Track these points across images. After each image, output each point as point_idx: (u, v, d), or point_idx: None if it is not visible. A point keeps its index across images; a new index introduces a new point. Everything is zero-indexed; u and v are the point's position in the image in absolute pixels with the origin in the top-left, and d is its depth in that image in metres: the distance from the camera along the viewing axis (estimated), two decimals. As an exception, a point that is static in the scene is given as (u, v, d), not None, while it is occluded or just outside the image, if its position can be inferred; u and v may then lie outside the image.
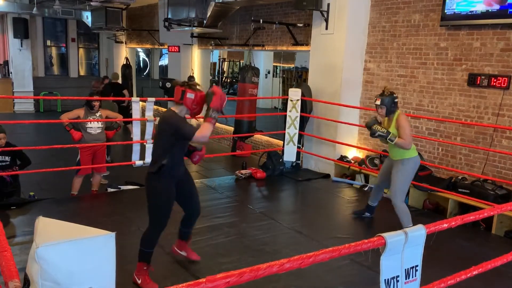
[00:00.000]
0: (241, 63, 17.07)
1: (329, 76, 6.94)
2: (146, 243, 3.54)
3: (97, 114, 5.87)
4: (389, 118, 4.61)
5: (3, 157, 5.37)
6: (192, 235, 3.98)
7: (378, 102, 4.54)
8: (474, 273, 2.40)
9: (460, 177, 5.60)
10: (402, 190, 4.60)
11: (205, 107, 3.51)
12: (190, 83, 3.52)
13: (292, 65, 13.42)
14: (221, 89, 3.49)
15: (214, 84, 8.30)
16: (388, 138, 4.49)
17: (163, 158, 3.42)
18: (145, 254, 3.53)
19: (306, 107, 7.07)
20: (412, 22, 6.22)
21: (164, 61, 15.57)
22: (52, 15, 13.52)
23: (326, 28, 6.83)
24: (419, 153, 4.76)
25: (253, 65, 8.26)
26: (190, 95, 3.39)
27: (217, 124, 10.56)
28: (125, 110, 8.83)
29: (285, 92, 10.02)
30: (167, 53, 12.52)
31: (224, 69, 17.72)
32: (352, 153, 7.08)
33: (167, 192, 3.52)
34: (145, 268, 3.53)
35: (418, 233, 2.03)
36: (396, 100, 4.54)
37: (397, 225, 4.43)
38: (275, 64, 14.82)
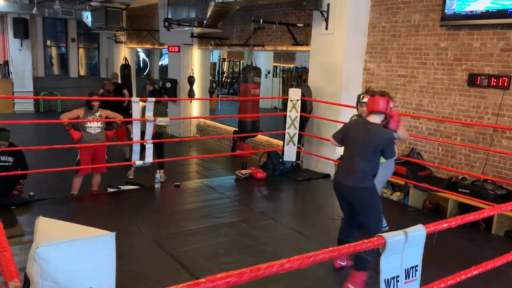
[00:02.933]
0: (241, 63, 17.08)
1: (329, 76, 6.94)
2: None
3: (97, 114, 5.87)
4: None
5: (6, 157, 5.37)
6: None
7: (365, 100, 4.40)
8: (474, 273, 2.40)
9: (460, 177, 5.60)
10: (381, 182, 4.63)
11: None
12: (387, 93, 3.69)
13: (292, 65, 13.43)
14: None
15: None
16: None
17: (375, 171, 3.60)
18: (365, 261, 3.43)
19: (306, 107, 7.07)
20: (412, 22, 6.22)
21: (164, 61, 15.57)
22: (52, 15, 13.51)
23: (326, 28, 6.83)
24: None
25: (254, 65, 8.25)
26: (392, 104, 3.60)
27: (217, 124, 10.60)
28: (125, 110, 8.82)
29: (285, 92, 10.02)
30: (167, 53, 12.51)
31: (224, 69, 17.73)
32: (352, 153, 7.07)
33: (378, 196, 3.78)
34: (365, 278, 3.47)
35: (418, 233, 2.03)
36: None
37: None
38: (275, 64, 14.83)
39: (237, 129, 8.28)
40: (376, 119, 3.56)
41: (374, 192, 3.63)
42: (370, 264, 3.45)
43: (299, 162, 7.40)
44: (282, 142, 7.33)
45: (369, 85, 4.80)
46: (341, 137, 3.81)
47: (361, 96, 4.59)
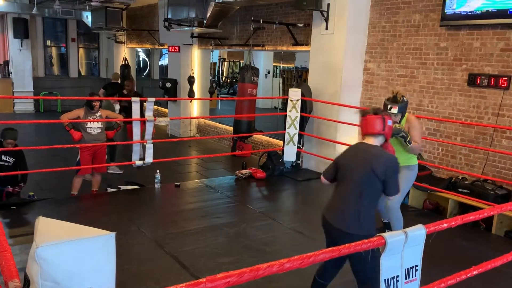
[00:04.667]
0: (241, 63, 17.07)
1: (329, 76, 6.94)
2: None
3: (97, 114, 5.87)
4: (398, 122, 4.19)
5: (7, 157, 5.39)
6: None
7: (394, 111, 3.99)
8: (474, 273, 2.40)
9: (460, 177, 5.60)
10: (402, 196, 4.32)
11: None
12: (381, 109, 3.14)
13: (292, 65, 13.43)
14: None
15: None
16: (407, 140, 4.00)
17: (373, 208, 2.94)
18: None
19: (306, 107, 7.07)
20: (412, 22, 6.22)
21: (164, 61, 15.57)
22: (52, 15, 13.51)
23: (326, 28, 6.83)
24: None
25: (253, 65, 8.27)
26: (390, 123, 3.02)
27: (217, 124, 10.60)
28: (126, 110, 8.82)
29: (285, 92, 10.03)
30: (167, 53, 12.51)
31: (224, 69, 17.72)
32: (352, 153, 7.07)
33: None
34: None
35: (418, 233, 2.02)
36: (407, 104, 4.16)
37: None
38: (275, 64, 14.83)
39: (233, 129, 8.30)
40: (373, 141, 3.00)
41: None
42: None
43: (299, 162, 7.41)
44: (282, 142, 7.33)
45: (396, 88, 4.30)
46: (334, 172, 3.11)
47: (389, 106, 4.04)
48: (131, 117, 6.16)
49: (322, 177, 3.26)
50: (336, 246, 2.31)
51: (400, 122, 4.11)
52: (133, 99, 6.14)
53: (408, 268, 2.03)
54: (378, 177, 2.84)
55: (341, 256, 2.42)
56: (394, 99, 4.04)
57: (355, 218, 2.85)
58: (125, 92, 8.50)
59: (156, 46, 12.80)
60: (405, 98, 4.14)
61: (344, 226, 2.89)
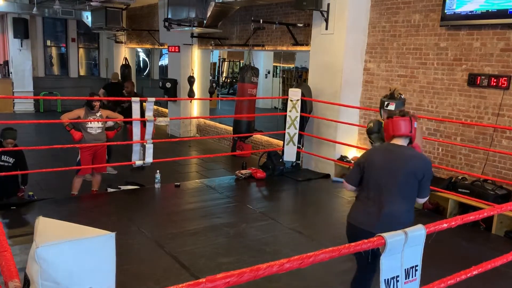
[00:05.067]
0: (241, 63, 17.07)
1: (329, 76, 6.94)
2: None
3: (98, 114, 5.87)
4: None
5: (7, 157, 5.39)
6: None
7: (391, 107, 3.93)
8: (474, 273, 2.40)
9: (460, 177, 5.60)
10: None
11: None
12: (407, 111, 3.06)
13: (292, 65, 13.43)
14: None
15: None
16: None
17: (412, 210, 2.92)
18: None
19: (306, 107, 7.07)
20: (412, 22, 6.22)
21: (164, 61, 15.57)
22: (52, 15, 13.51)
23: (326, 28, 6.83)
24: None
25: (252, 65, 8.26)
26: (416, 124, 2.99)
27: (217, 124, 10.60)
28: (126, 110, 8.82)
29: (285, 92, 10.03)
30: (167, 53, 12.51)
31: (224, 69, 17.72)
32: (352, 153, 7.08)
33: None
34: None
35: (418, 233, 2.02)
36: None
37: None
38: (275, 64, 14.83)
39: (233, 129, 8.30)
40: (402, 142, 2.95)
41: None
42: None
43: (299, 162, 7.40)
44: (282, 142, 7.33)
45: (394, 86, 4.23)
46: (359, 176, 2.99)
47: (386, 102, 4.03)
48: (130, 118, 6.16)
49: (345, 184, 3.12)
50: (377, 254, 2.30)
51: None
52: (133, 99, 6.14)
53: (408, 268, 2.03)
54: (417, 178, 2.82)
55: (373, 263, 2.45)
56: (391, 96, 4.00)
57: (397, 222, 2.72)
58: (124, 93, 8.50)
59: (156, 46, 12.79)
60: (402, 96, 4.11)
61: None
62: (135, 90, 8.90)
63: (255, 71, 8.03)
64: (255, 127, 8.23)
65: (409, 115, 2.97)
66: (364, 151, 6.72)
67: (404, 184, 2.83)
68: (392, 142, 2.98)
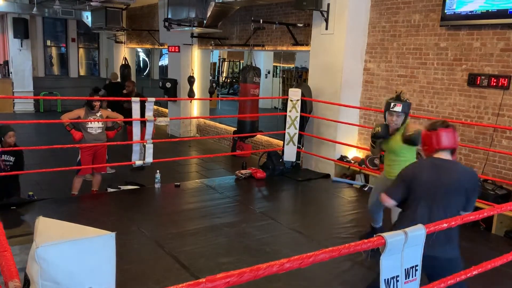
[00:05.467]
0: (241, 63, 17.08)
1: (329, 76, 6.94)
2: None
3: (98, 114, 5.87)
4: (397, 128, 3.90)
5: (7, 157, 5.39)
6: None
7: (398, 109, 3.74)
8: (474, 273, 2.40)
9: (460, 177, 5.59)
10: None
11: None
12: (446, 122, 2.89)
13: (292, 65, 13.43)
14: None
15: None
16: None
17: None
18: None
19: (306, 107, 7.07)
20: (412, 22, 6.22)
21: (164, 61, 15.57)
22: (52, 15, 13.51)
23: (326, 28, 6.83)
24: None
25: (254, 65, 8.25)
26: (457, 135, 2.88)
27: (217, 124, 10.60)
28: (126, 110, 8.81)
29: (285, 92, 10.02)
30: (167, 53, 12.52)
31: (224, 69, 17.72)
32: (352, 153, 7.08)
33: None
34: None
35: (418, 233, 2.03)
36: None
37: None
38: (275, 64, 14.83)
39: (237, 129, 8.28)
40: (447, 156, 2.80)
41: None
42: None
43: (299, 162, 7.41)
44: (282, 142, 7.33)
45: (400, 88, 4.09)
46: (403, 192, 2.85)
47: (392, 104, 3.83)
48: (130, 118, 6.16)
49: (386, 198, 2.92)
50: (441, 276, 2.33)
51: (403, 124, 3.87)
52: (133, 99, 6.14)
53: (408, 268, 2.03)
54: (467, 193, 2.73)
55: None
56: (397, 98, 3.84)
57: (454, 239, 2.69)
58: (125, 92, 8.49)
59: (156, 46, 12.80)
60: (408, 100, 3.97)
61: (443, 251, 2.66)
62: (135, 90, 8.89)
63: (257, 71, 8.01)
64: (258, 127, 8.18)
65: (452, 126, 2.82)
66: (364, 151, 6.76)
67: (455, 200, 2.74)
68: (436, 156, 2.82)
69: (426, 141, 2.88)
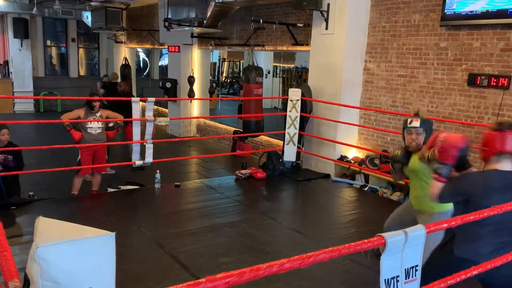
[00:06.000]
0: (241, 63, 17.07)
1: (329, 76, 6.94)
2: None
3: (98, 114, 5.87)
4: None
5: (6, 156, 5.38)
6: None
7: (416, 124, 3.30)
8: (474, 273, 2.40)
9: (460, 177, 5.58)
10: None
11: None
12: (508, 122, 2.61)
13: (292, 65, 13.42)
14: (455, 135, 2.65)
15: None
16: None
17: None
18: None
19: (306, 107, 7.07)
20: (412, 22, 6.22)
21: (164, 61, 15.57)
22: (52, 15, 13.52)
23: (326, 28, 6.83)
24: None
25: (256, 64, 8.21)
26: None
27: (217, 124, 10.60)
28: (125, 110, 8.82)
29: (285, 92, 10.02)
30: (167, 53, 12.52)
31: (224, 69, 17.72)
32: (352, 153, 7.08)
33: None
34: None
35: (418, 233, 2.02)
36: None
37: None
38: (275, 64, 14.83)
39: (237, 129, 8.26)
40: (507, 164, 2.55)
41: None
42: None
43: (299, 162, 7.40)
44: (282, 142, 7.33)
45: (418, 107, 3.79)
46: (461, 208, 2.63)
47: (409, 119, 3.39)
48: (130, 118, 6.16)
49: (435, 198, 2.73)
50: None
51: (424, 143, 3.29)
52: (133, 99, 6.14)
53: (408, 268, 2.03)
54: None
55: None
56: (415, 115, 3.41)
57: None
58: (119, 89, 8.59)
59: (156, 46, 12.80)
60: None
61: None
62: (129, 90, 8.93)
63: (259, 71, 7.95)
64: (263, 127, 8.10)
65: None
66: (364, 151, 6.76)
67: None
68: (500, 165, 2.57)
69: (488, 141, 2.60)
